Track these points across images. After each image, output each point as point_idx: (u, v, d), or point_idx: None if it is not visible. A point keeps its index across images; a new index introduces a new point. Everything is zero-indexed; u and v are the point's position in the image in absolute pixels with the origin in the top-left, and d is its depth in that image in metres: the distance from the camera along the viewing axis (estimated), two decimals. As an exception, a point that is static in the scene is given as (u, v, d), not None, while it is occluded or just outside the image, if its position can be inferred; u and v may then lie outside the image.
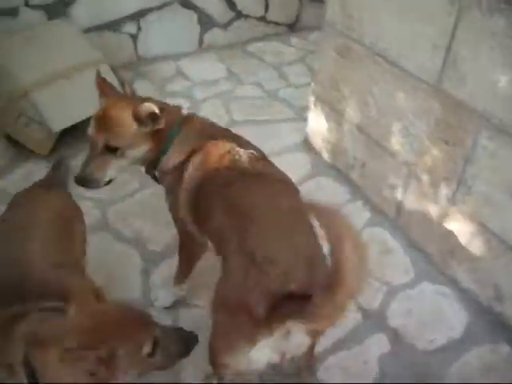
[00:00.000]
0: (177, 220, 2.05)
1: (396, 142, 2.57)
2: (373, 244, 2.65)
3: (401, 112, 2.48)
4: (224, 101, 3.72)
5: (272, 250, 1.52)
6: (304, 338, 1.52)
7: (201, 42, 4.38)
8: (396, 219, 2.74)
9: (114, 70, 3.30)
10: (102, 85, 1.98)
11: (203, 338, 1.60)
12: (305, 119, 3.37)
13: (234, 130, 3.31)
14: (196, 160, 1.88)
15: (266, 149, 3.16)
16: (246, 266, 1.51)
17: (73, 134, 3.12)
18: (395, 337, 2.25)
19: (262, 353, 1.50)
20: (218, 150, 1.87)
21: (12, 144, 3.18)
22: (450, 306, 2.40)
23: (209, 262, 2.10)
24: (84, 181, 1.90)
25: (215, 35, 4.38)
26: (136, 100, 1.98)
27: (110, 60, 3.42)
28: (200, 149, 1.90)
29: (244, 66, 4.16)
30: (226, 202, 1.73)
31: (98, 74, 2.00)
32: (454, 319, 2.35)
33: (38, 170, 3.03)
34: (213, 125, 2.09)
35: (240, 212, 1.67)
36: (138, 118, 1.84)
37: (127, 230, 2.68)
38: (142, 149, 1.91)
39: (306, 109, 3.50)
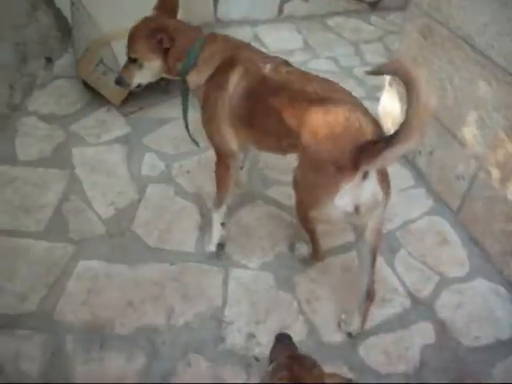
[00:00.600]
0: (213, 136, 2.24)
1: (469, 132, 2.50)
2: (431, 233, 2.61)
3: (479, 102, 2.40)
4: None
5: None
6: (376, 186, 1.75)
7: (280, 10, 4.35)
8: (458, 211, 2.68)
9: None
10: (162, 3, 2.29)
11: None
12: (376, 99, 3.32)
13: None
14: (238, 71, 2.06)
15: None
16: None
17: (146, 87, 3.18)
18: (441, 328, 2.22)
19: (344, 200, 1.74)
20: (255, 61, 2.07)
21: (88, 90, 3.27)
22: (502, 306, 2.33)
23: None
24: (119, 82, 2.30)
25: (296, 5, 4.34)
26: (156, 21, 2.21)
27: (190, 19, 3.43)
28: (232, 61, 2.09)
29: (321, 40, 4.11)
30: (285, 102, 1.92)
31: None
32: (504, 320, 2.28)
33: (110, 118, 3.13)
34: (234, 39, 2.28)
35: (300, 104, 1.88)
36: (151, 34, 2.12)
37: (189, 186, 2.73)
38: (157, 62, 2.19)
39: (378, 88, 3.45)
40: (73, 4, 3.25)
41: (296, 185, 1.97)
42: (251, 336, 2.11)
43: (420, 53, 2.73)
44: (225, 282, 2.29)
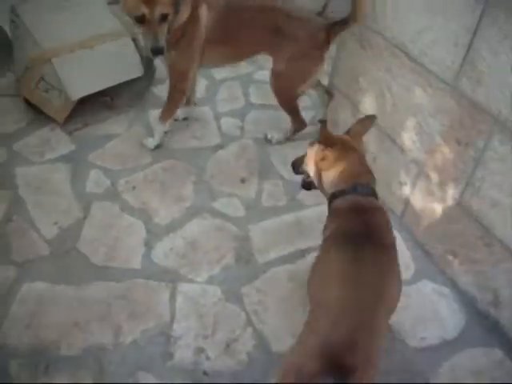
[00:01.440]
0: (184, 61, 2.78)
1: (408, 138, 2.56)
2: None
3: (416, 108, 2.47)
4: (242, 83, 3.72)
5: None
6: None
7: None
8: (402, 215, 2.74)
9: (136, 43, 3.30)
10: None
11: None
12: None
13: (250, 113, 3.37)
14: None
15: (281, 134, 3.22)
16: None
17: (90, 103, 3.16)
18: (388, 331, 2.26)
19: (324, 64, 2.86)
20: None
21: (31, 108, 3.22)
22: (447, 306, 2.39)
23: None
24: (161, 49, 2.45)
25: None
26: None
27: (134, 33, 3.43)
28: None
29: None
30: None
31: None
32: (449, 320, 2.34)
33: (54, 136, 3.08)
34: None
35: None
36: None
37: (135, 202, 2.70)
38: (172, 15, 2.48)
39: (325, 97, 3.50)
40: (12, 22, 3.20)
41: (280, 75, 2.82)
42: (200, 350, 2.10)
43: (360, 62, 2.79)
44: (172, 297, 2.28)
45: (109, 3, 3.58)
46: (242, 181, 2.88)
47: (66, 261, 2.39)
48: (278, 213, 2.72)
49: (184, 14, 2.58)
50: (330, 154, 1.93)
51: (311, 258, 2.50)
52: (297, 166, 2.20)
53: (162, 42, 2.44)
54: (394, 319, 2.26)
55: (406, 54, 2.45)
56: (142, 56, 3.29)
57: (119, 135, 3.11)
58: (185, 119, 3.29)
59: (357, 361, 1.44)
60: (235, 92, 3.61)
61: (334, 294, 1.62)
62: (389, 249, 1.78)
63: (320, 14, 4.74)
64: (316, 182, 2.05)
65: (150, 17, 2.36)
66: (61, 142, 3.04)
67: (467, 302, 2.40)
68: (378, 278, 1.66)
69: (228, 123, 3.30)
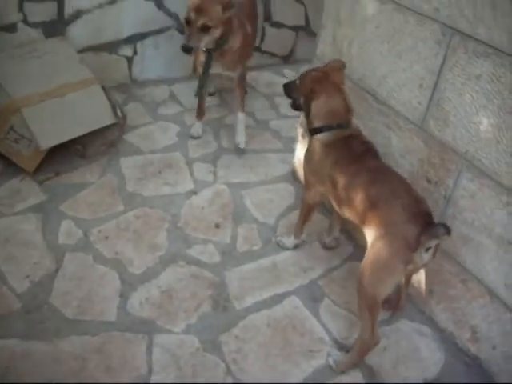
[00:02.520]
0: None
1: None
2: (353, 279, 2.64)
3: (386, 149, 2.51)
4: (214, 127, 3.74)
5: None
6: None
7: (195, 67, 4.41)
8: (377, 255, 2.75)
9: (106, 90, 3.32)
10: None
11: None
12: (292, 151, 3.40)
13: (223, 158, 3.38)
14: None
15: (253, 178, 3.23)
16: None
17: (61, 152, 3.13)
18: (370, 373, 2.24)
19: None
20: None
21: (1, 159, 3.17)
22: (426, 345, 2.38)
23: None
24: (189, 48, 2.87)
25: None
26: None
27: (104, 81, 3.45)
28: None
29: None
30: None
31: None
32: (430, 359, 2.33)
33: (24, 187, 3.03)
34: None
35: None
36: (223, 7, 2.89)
37: (108, 251, 2.65)
38: (220, 30, 2.96)
39: (294, 140, 3.54)
40: (-19, 72, 3.19)
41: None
42: (179, 403, 2.04)
43: (328, 105, 2.84)
44: (149, 349, 2.21)
45: (78, 51, 3.61)
46: (217, 226, 2.87)
47: (39, 316, 2.31)
48: (254, 257, 2.70)
49: (235, 41, 3.16)
50: (319, 88, 2.31)
51: (288, 303, 2.49)
52: (288, 89, 2.54)
53: (193, 45, 2.88)
54: (375, 360, 2.26)
55: (374, 96, 2.51)
56: (113, 103, 3.30)
57: (91, 184, 3.08)
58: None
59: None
60: (207, 137, 3.63)
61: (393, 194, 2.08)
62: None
63: (287, 57, 4.86)
64: (304, 109, 2.42)
65: (194, 23, 2.84)
66: (31, 193, 2.99)
67: (446, 339, 2.40)
68: (396, 175, 2.21)
69: (200, 168, 3.30)
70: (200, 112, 3.59)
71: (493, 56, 1.94)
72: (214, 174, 3.28)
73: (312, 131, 2.40)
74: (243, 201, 3.08)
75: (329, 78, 2.33)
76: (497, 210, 2.08)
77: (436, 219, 2.30)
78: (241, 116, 3.53)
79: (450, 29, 2.06)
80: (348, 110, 2.34)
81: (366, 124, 2.59)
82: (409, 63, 2.28)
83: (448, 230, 1.90)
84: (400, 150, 2.44)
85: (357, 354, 2.18)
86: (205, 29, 2.87)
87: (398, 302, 2.43)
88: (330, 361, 2.23)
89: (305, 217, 2.67)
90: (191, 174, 3.25)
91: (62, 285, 2.46)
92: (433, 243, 1.98)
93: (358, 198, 2.15)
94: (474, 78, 2.02)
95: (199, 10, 2.83)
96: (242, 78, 3.49)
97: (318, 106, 2.32)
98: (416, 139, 2.34)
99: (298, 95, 2.45)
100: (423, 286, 2.48)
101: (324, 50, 2.77)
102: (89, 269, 2.55)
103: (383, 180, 2.15)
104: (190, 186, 3.15)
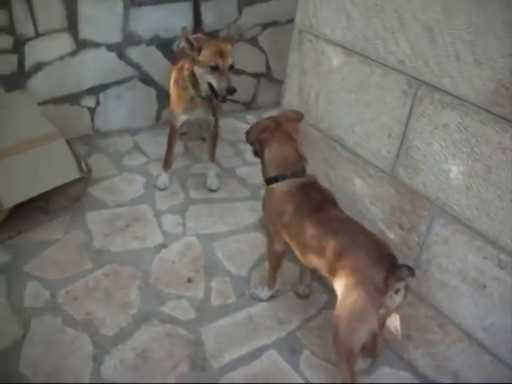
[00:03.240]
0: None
1: (352, 226, 2.60)
2: (329, 328, 2.61)
3: (357, 197, 2.53)
4: (180, 178, 3.71)
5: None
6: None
7: (158, 117, 4.41)
8: (353, 302, 2.74)
9: (70, 144, 3.26)
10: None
11: None
12: (260, 198, 3.38)
13: (191, 209, 3.34)
14: None
15: (223, 228, 3.20)
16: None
17: (23, 208, 3.03)
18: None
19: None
20: None
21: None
22: (408, 392, 2.37)
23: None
24: (234, 90, 2.98)
25: (170, 110, 4.42)
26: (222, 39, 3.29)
27: (66, 132, 3.39)
28: None
29: (200, 144, 4.17)
30: None
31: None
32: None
33: (-13, 245, 2.92)
34: None
35: None
36: (231, 44, 3.13)
37: (78, 313, 2.54)
38: None
39: (261, 187, 3.53)
40: None
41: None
42: None
43: (296, 153, 2.85)
44: (126, 417, 2.13)
45: (39, 104, 3.55)
46: (189, 281, 2.81)
47: (7, 387, 2.19)
48: (229, 311, 2.65)
49: None
50: (270, 137, 2.37)
51: (267, 357, 2.43)
52: (249, 135, 2.49)
53: (233, 84, 2.99)
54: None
55: (342, 145, 2.54)
56: (77, 157, 3.23)
57: (56, 241, 2.98)
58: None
59: None
60: (173, 187, 3.59)
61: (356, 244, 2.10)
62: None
63: (249, 104, 4.91)
64: (260, 157, 2.47)
65: (222, 66, 2.98)
66: (-7, 253, 2.88)
67: (427, 384, 2.38)
68: (355, 223, 2.25)
69: (169, 220, 3.25)
70: (167, 163, 3.56)
71: (459, 106, 1.99)
72: (183, 225, 3.23)
73: (267, 181, 2.43)
74: (214, 253, 3.03)
75: (281, 127, 2.37)
76: (470, 254, 2.10)
77: (411, 265, 2.32)
78: (213, 165, 3.65)
79: (416, 80, 2.12)
80: (301, 159, 2.38)
81: (336, 172, 2.61)
82: (376, 113, 2.32)
83: (412, 272, 1.95)
84: (371, 197, 2.46)
85: None
86: (231, 69, 3.04)
87: (374, 349, 2.41)
88: None
89: (274, 267, 2.64)
90: (160, 226, 3.19)
91: (30, 352, 2.34)
92: (400, 285, 2.01)
93: (321, 248, 2.18)
94: (442, 127, 2.07)
95: (224, 53, 3.00)
96: (218, 124, 3.51)
97: (271, 154, 2.38)
98: (387, 187, 2.37)
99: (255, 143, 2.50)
100: (399, 330, 2.47)
101: (290, 100, 2.80)
102: (58, 333, 2.44)
103: (344, 228, 2.19)
104: (160, 239, 3.09)
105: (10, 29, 3.46)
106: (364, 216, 2.51)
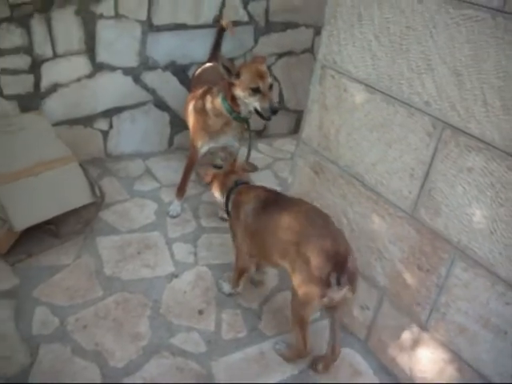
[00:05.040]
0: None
1: (368, 265, 2.57)
2: (344, 366, 2.58)
3: (375, 235, 2.50)
4: (192, 205, 3.69)
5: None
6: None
7: (171, 142, 4.40)
8: (366, 340, 2.69)
9: (84, 168, 3.24)
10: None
11: None
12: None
13: (202, 238, 3.31)
14: None
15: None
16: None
17: (33, 231, 3.00)
18: None
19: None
20: None
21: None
22: None
23: None
24: (277, 109, 3.11)
25: (186, 137, 4.41)
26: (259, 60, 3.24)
27: (78, 155, 3.37)
28: None
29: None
30: None
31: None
32: None
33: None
34: None
35: None
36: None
37: (87, 343, 2.50)
38: None
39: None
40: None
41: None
42: None
43: (313, 188, 2.84)
44: None
45: (53, 124, 3.55)
46: (200, 312, 2.76)
47: (13, 417, 2.14)
48: (240, 346, 2.60)
49: None
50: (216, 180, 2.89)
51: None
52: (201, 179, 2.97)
53: (277, 104, 3.14)
54: None
55: (362, 182, 2.52)
56: (91, 182, 3.22)
57: (66, 266, 2.95)
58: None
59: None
60: (185, 215, 3.56)
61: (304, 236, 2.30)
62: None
63: (261, 132, 4.90)
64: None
65: (263, 88, 3.04)
66: (3, 276, 2.84)
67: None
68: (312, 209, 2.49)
69: (180, 249, 3.22)
70: (181, 191, 3.54)
71: (484, 150, 1.98)
72: (195, 254, 3.19)
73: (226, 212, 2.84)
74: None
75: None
76: (492, 299, 2.07)
77: (429, 307, 2.29)
78: None
79: (441, 122, 2.10)
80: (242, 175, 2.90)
81: (355, 209, 2.59)
82: (399, 152, 2.30)
83: (353, 278, 2.24)
84: (390, 236, 2.43)
85: (292, 355, 2.53)
86: (270, 88, 3.10)
87: (333, 350, 2.49)
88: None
89: (238, 277, 2.82)
90: (171, 255, 3.16)
91: (37, 381, 2.29)
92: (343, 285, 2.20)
93: (275, 241, 2.42)
94: (466, 170, 2.05)
95: (262, 74, 3.06)
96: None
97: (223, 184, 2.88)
98: (407, 227, 2.34)
99: None
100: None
101: (310, 135, 2.78)
102: (67, 362, 2.39)
103: (298, 219, 2.37)
104: (171, 268, 3.05)
105: (28, 49, 3.47)
106: (382, 254, 2.48)
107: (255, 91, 3.05)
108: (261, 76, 3.05)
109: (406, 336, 2.45)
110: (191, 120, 3.44)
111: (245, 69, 3.09)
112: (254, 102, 3.09)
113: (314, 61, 2.73)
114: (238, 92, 3.10)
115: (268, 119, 3.14)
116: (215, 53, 3.93)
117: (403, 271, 2.40)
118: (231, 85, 3.11)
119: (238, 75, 3.07)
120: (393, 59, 2.26)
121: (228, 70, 3.07)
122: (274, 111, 3.06)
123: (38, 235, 3.08)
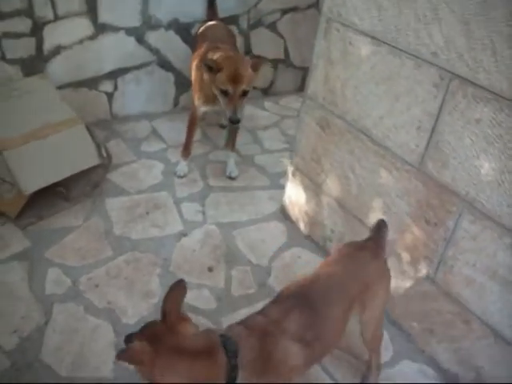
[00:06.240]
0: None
1: (376, 219, 2.56)
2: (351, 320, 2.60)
3: (382, 189, 2.50)
4: (199, 164, 3.69)
5: None
6: None
7: (176, 102, 4.38)
8: (374, 295, 2.72)
9: (90, 130, 3.24)
10: None
11: None
12: (280, 187, 3.37)
13: (210, 197, 3.32)
14: None
15: (243, 217, 3.18)
16: None
17: (43, 195, 3.01)
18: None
19: None
20: None
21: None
22: (431, 387, 2.36)
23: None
24: (239, 120, 3.02)
25: (191, 97, 4.38)
26: (243, 59, 3.16)
27: (84, 117, 3.36)
28: None
29: (219, 130, 4.15)
30: None
31: None
32: (434, 400, 2.30)
33: (6, 232, 2.91)
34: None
35: None
36: (253, 68, 3.06)
37: (99, 301, 2.55)
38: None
39: (281, 176, 3.52)
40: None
41: None
42: None
43: (320, 143, 2.82)
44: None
45: (58, 88, 3.53)
46: (210, 269, 2.80)
47: (29, 375, 2.19)
48: (250, 301, 2.63)
49: None
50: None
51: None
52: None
53: (240, 115, 3.02)
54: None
55: (369, 137, 2.50)
56: (97, 144, 3.22)
57: (77, 228, 2.98)
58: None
59: None
60: (192, 175, 3.57)
61: None
62: None
63: (267, 90, 4.85)
64: None
65: (233, 93, 2.96)
66: (14, 239, 2.87)
67: (450, 380, 2.37)
68: None
69: (189, 208, 3.24)
70: (187, 151, 3.54)
71: (493, 101, 1.94)
72: (203, 213, 3.21)
73: None
74: (235, 242, 3.02)
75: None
76: (500, 251, 2.07)
77: (436, 260, 2.31)
78: (232, 154, 3.66)
79: (449, 73, 2.07)
80: None
81: (362, 164, 2.57)
82: (406, 105, 2.27)
83: None
84: (397, 190, 2.43)
85: None
86: (244, 94, 3.01)
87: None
88: None
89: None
90: (180, 214, 3.18)
91: (52, 340, 2.34)
92: None
93: None
94: (474, 122, 2.02)
95: (237, 79, 2.95)
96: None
97: None
98: (414, 180, 2.33)
99: None
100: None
101: (316, 90, 2.75)
102: (80, 321, 2.44)
103: None
104: (180, 227, 3.08)
105: (28, 12, 3.43)
106: (389, 209, 2.48)
107: (224, 93, 3.00)
108: (235, 80, 2.96)
109: (415, 289, 2.47)
110: (192, 78, 3.42)
111: (225, 67, 2.98)
112: (222, 104, 3.06)
113: (320, 16, 2.68)
114: (213, 86, 3.06)
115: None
116: (213, 9, 3.88)
117: (411, 225, 2.40)
118: (212, 76, 3.03)
119: (218, 70, 2.99)
120: (399, 10, 2.21)
121: (210, 68, 3.00)
122: (232, 121, 3.03)
123: (48, 198, 3.10)
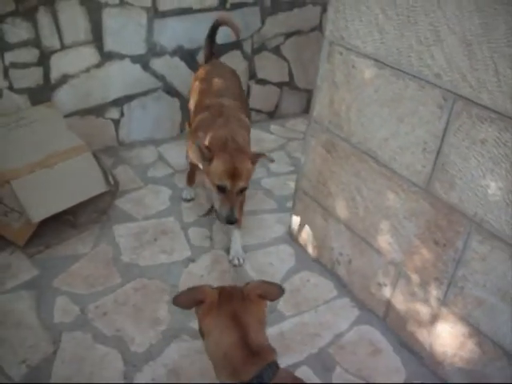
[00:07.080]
0: None
1: (384, 241, 2.56)
2: (363, 344, 2.58)
3: (390, 211, 2.49)
4: (206, 189, 3.68)
5: None
6: None
7: (182, 128, 4.40)
8: (385, 318, 2.69)
9: (97, 157, 3.26)
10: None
11: None
12: (287, 210, 3.37)
13: (218, 222, 3.31)
14: None
15: (252, 241, 3.17)
16: None
17: (50, 222, 3.02)
18: None
19: None
20: None
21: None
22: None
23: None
24: (236, 220, 2.71)
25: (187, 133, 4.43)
26: (242, 150, 2.76)
27: (91, 144, 3.38)
28: None
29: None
30: None
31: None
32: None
33: (15, 261, 2.92)
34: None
35: None
36: (252, 162, 2.75)
37: (108, 329, 2.53)
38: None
39: (288, 199, 3.51)
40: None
41: None
42: None
43: (326, 166, 2.82)
44: None
45: (65, 116, 3.57)
46: (218, 295, 2.78)
47: (39, 405, 2.18)
48: (260, 327, 2.61)
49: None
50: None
51: (300, 373, 2.38)
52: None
53: (236, 214, 2.69)
54: None
55: (375, 159, 2.50)
56: (104, 171, 3.23)
57: (85, 255, 2.98)
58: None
59: None
60: (199, 199, 3.58)
61: None
62: None
63: (272, 113, 4.88)
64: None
65: (231, 189, 2.66)
66: (22, 267, 2.88)
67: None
68: None
69: (196, 234, 3.23)
70: (190, 180, 3.54)
71: (497, 121, 1.94)
72: (211, 239, 3.21)
73: None
74: (243, 266, 3.00)
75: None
76: (510, 271, 2.05)
77: (446, 281, 2.28)
78: (238, 233, 3.12)
79: (453, 94, 2.07)
80: None
81: (368, 186, 2.57)
82: (411, 127, 2.27)
83: None
84: (404, 212, 2.42)
85: None
86: (242, 190, 2.75)
87: None
88: None
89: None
90: (187, 239, 3.17)
91: (61, 369, 2.33)
92: None
93: None
94: (479, 142, 2.02)
95: (235, 175, 2.64)
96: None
97: None
98: (422, 202, 2.32)
99: None
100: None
101: (321, 113, 2.76)
102: (89, 349, 2.43)
103: None
104: (187, 252, 3.07)
105: (35, 42, 3.48)
106: (398, 231, 2.47)
107: (220, 189, 2.68)
108: (233, 175, 2.64)
109: (425, 311, 2.44)
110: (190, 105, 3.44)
111: (220, 157, 2.66)
112: (215, 201, 2.75)
113: (323, 38, 2.70)
114: (208, 181, 2.79)
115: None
116: (212, 46, 3.71)
117: (419, 246, 2.39)
118: (206, 165, 2.74)
119: (211, 160, 2.68)
120: (401, 32, 2.23)
121: (203, 154, 2.69)
122: (229, 222, 2.69)
123: (55, 226, 3.10)
